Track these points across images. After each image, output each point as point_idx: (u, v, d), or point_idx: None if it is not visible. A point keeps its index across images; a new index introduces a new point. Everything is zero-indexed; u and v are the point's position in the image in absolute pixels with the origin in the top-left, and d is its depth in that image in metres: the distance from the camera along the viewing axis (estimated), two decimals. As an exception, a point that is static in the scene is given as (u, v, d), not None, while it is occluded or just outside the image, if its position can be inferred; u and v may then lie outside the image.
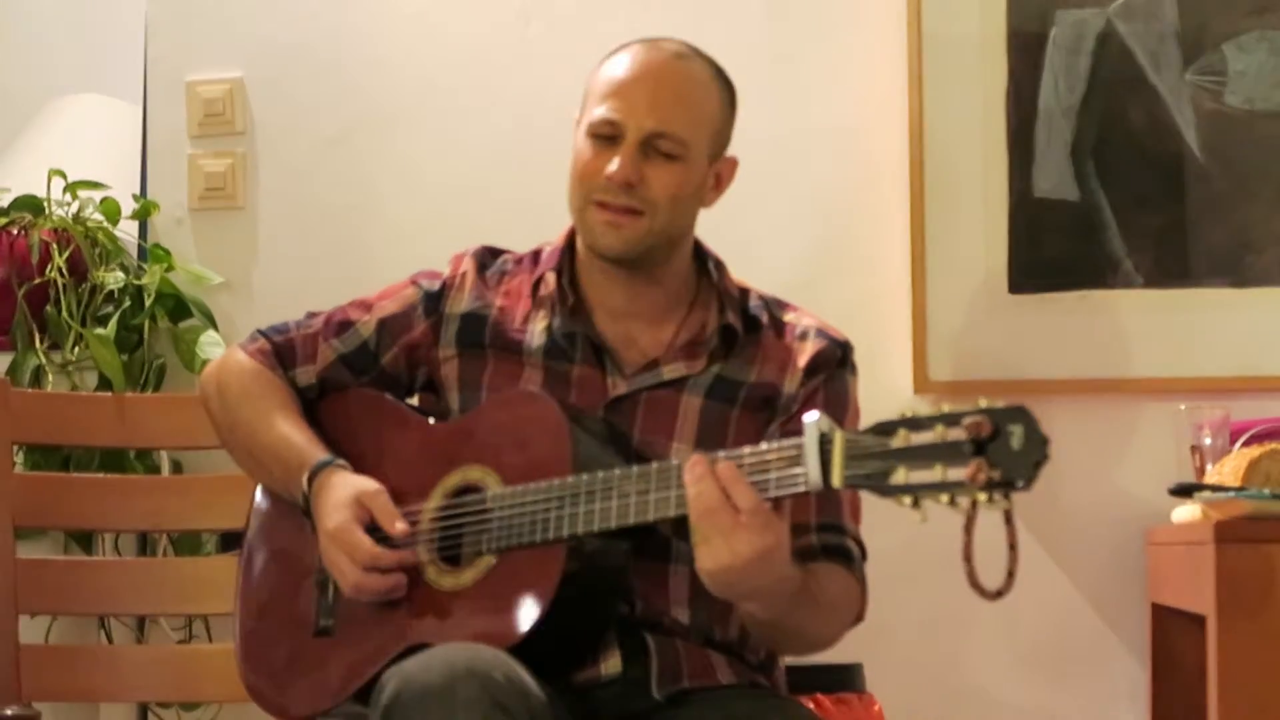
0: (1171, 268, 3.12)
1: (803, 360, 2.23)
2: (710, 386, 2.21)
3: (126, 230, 3.32)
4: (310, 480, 2.17)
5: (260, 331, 2.37)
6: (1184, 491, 2.67)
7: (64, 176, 3.24)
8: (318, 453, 2.20)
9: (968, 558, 1.77)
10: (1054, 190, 3.14)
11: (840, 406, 2.22)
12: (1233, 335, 3.09)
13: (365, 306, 2.33)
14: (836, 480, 1.83)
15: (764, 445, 1.91)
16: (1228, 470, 2.69)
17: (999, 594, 1.77)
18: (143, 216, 3.34)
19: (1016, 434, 1.73)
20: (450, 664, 1.88)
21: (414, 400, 2.36)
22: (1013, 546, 1.77)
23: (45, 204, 3.24)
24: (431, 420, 2.28)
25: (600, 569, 2.06)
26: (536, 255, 2.33)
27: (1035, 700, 3.13)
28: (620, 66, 2.22)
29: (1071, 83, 3.14)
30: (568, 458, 2.06)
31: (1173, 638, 2.98)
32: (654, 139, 2.17)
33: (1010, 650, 3.13)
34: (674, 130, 2.17)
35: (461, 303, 2.29)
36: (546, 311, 2.25)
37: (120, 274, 3.24)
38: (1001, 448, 1.73)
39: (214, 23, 3.38)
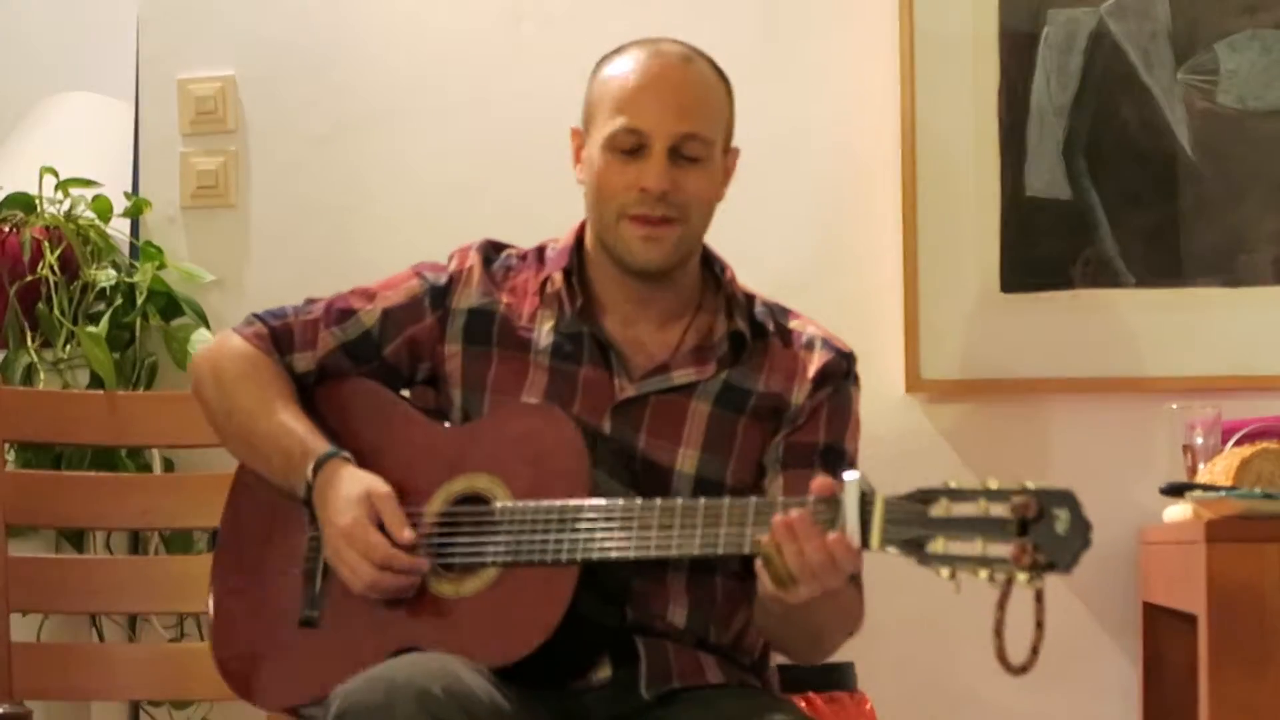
0: (1163, 267, 3.12)
1: (811, 371, 2.22)
2: (719, 394, 2.20)
3: (118, 228, 3.32)
4: (315, 471, 2.15)
5: (257, 315, 2.33)
6: (1175, 491, 2.66)
7: (55, 174, 3.23)
8: (322, 444, 2.18)
9: (999, 633, 1.81)
10: (1046, 189, 3.14)
11: (843, 419, 2.22)
12: (1225, 334, 3.09)
13: (369, 296, 2.30)
14: (875, 542, 1.86)
15: (801, 498, 1.92)
16: (1219, 469, 2.69)
17: (1024, 669, 1.81)
18: (134, 214, 3.33)
19: (1062, 519, 1.76)
20: (390, 680, 1.89)
21: (407, 393, 2.33)
22: (1040, 624, 1.81)
23: (37, 202, 3.24)
24: (436, 421, 2.25)
25: (607, 590, 2.06)
26: (541, 251, 2.30)
27: (1027, 699, 3.12)
28: (631, 75, 2.19)
29: (1064, 82, 3.15)
30: (585, 479, 2.05)
31: (1164, 637, 2.98)
32: (682, 144, 2.15)
33: (1002, 649, 3.13)
34: (700, 131, 2.17)
35: (469, 298, 2.27)
36: (553, 311, 2.23)
37: (112, 272, 3.23)
38: (1046, 530, 1.76)
39: (205, 21, 3.38)
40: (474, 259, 2.30)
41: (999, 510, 1.78)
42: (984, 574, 1.78)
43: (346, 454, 2.17)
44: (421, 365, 2.29)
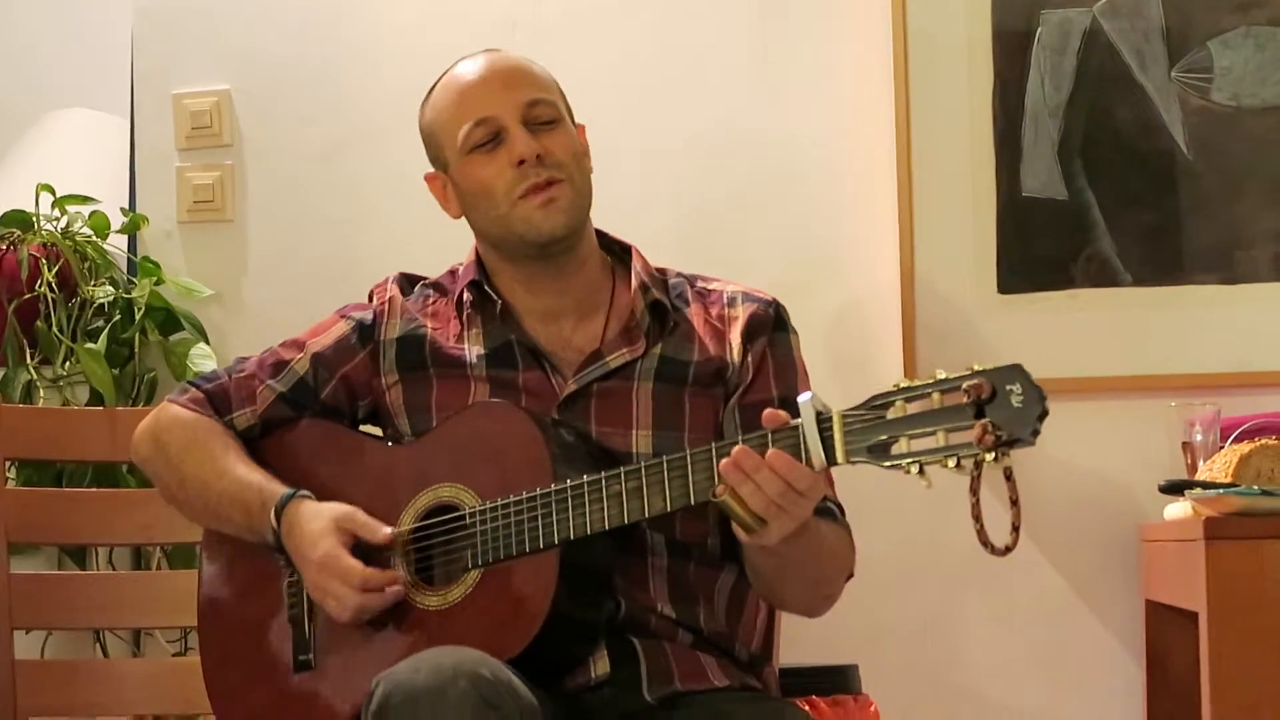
0: (1161, 265, 3.12)
1: (738, 326, 2.23)
2: (658, 370, 2.21)
3: (115, 244, 3.33)
4: (278, 516, 2.16)
5: (190, 382, 2.35)
6: (1175, 489, 2.67)
7: (52, 191, 3.24)
8: (278, 488, 2.19)
9: (977, 517, 1.81)
10: (1042, 189, 3.15)
11: (790, 370, 2.23)
12: (1222, 332, 3.10)
13: (298, 345, 2.32)
14: (840, 457, 1.86)
15: (761, 431, 1.92)
16: (1219, 466, 2.69)
17: (1007, 550, 1.82)
18: (132, 230, 3.34)
19: (1016, 392, 1.77)
20: (438, 665, 1.88)
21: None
22: (1015, 501, 1.82)
23: (34, 219, 3.25)
24: (387, 444, 2.27)
25: (591, 571, 2.06)
26: (453, 275, 2.33)
27: (1031, 699, 3.13)
28: (453, 86, 2.27)
29: (1058, 82, 3.15)
30: (547, 466, 2.06)
31: (1167, 634, 2.98)
32: (530, 110, 2.20)
33: (1006, 649, 3.14)
34: (540, 96, 2.22)
35: (395, 328, 2.29)
36: (478, 326, 2.25)
37: (110, 288, 3.24)
38: (1003, 407, 1.77)
39: (201, 36, 3.39)
40: (393, 290, 2.33)
41: (953, 399, 1.79)
42: (951, 463, 1.79)
43: (304, 491, 2.18)
44: (361, 403, 2.31)
